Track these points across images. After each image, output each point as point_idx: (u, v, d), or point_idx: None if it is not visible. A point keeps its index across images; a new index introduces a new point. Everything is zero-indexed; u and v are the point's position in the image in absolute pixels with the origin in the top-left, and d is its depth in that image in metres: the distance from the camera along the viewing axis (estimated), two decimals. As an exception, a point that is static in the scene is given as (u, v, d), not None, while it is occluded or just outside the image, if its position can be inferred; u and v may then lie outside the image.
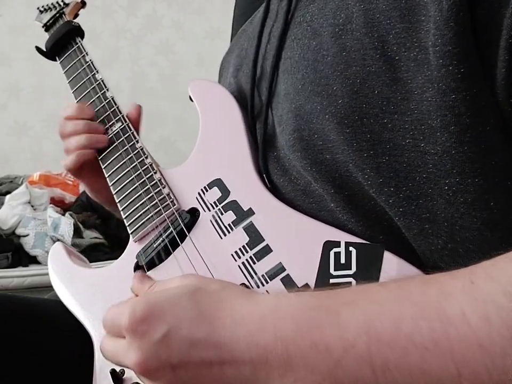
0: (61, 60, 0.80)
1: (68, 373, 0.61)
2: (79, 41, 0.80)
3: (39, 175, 2.08)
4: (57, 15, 0.84)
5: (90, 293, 0.59)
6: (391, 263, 0.44)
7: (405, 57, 0.42)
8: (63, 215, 1.86)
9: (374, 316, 0.35)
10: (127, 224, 0.62)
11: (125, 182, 0.64)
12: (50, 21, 0.84)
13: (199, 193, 0.58)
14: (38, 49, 0.82)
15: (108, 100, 0.72)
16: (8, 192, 1.97)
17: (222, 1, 2.68)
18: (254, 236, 0.52)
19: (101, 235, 1.92)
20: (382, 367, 0.33)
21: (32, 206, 1.92)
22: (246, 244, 0.52)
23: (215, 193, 0.57)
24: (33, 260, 1.73)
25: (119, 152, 0.67)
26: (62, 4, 0.86)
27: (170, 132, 2.65)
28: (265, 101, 0.56)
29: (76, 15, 0.87)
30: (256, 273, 0.49)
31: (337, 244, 0.46)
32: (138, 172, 0.63)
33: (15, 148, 2.47)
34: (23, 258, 1.74)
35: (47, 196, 1.96)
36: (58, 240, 1.75)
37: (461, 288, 0.33)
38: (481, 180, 0.40)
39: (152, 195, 0.61)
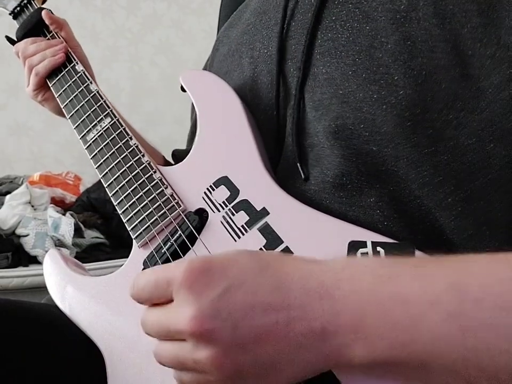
0: None
1: (67, 374, 0.61)
2: (53, 29, 0.75)
3: (39, 175, 2.08)
4: (25, 1, 0.79)
5: (95, 304, 0.56)
6: None
7: (480, 53, 0.40)
8: (64, 215, 1.85)
9: (461, 271, 0.33)
10: (129, 229, 0.58)
11: (122, 183, 0.60)
12: (18, 8, 0.79)
13: (205, 192, 0.55)
14: (9, 38, 0.77)
15: (92, 94, 0.67)
16: (8, 192, 1.96)
17: (220, 1, 2.67)
18: (271, 237, 0.48)
19: (102, 235, 1.91)
20: (472, 328, 0.31)
21: (32, 206, 1.91)
22: (264, 246, 0.48)
23: (223, 192, 0.54)
24: (33, 260, 1.72)
25: (112, 151, 0.62)
26: None
27: (171, 131, 2.64)
28: (298, 84, 0.51)
29: (44, 1, 0.82)
30: None
31: (363, 244, 0.43)
32: (136, 172, 0.59)
33: (15, 147, 2.46)
34: (23, 258, 1.73)
35: (47, 196, 1.95)
36: (58, 240, 1.75)
37: None
38: None
39: (154, 196, 0.57)
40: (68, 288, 0.59)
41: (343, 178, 0.47)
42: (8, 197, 1.91)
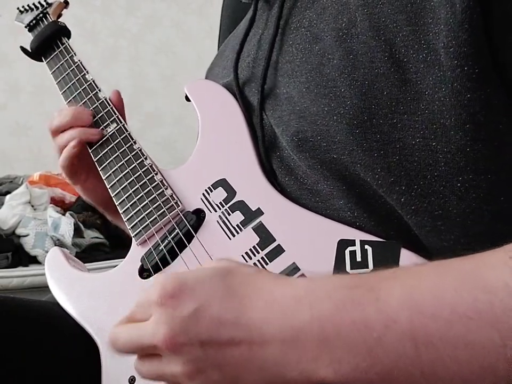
0: (47, 60, 0.78)
1: (67, 373, 0.61)
2: (66, 41, 0.78)
3: (39, 175, 2.08)
4: (41, 15, 0.83)
5: (93, 299, 0.58)
6: (409, 260, 0.44)
7: (414, 58, 0.43)
8: (64, 214, 1.86)
9: (414, 288, 0.34)
10: (129, 227, 0.60)
11: (125, 184, 0.62)
12: (34, 21, 0.83)
13: (203, 194, 0.57)
14: (23, 49, 0.80)
15: (100, 101, 0.70)
16: (8, 192, 1.97)
17: (222, 1, 2.68)
18: (265, 236, 0.51)
19: (101, 235, 1.92)
20: (425, 342, 0.32)
21: (32, 206, 1.92)
22: (257, 244, 0.51)
23: (221, 193, 0.56)
24: (33, 260, 1.73)
25: (116, 154, 0.65)
26: (44, 3, 0.85)
27: (171, 131, 2.65)
28: (258, 103, 0.57)
29: (60, 15, 0.85)
30: None
31: (352, 242, 0.46)
32: (138, 173, 0.62)
33: (15, 147, 2.47)
34: (23, 258, 1.74)
35: (47, 196, 1.95)
36: (58, 240, 1.75)
37: (501, 261, 0.34)
38: (493, 176, 0.42)
39: (155, 196, 0.59)
40: (69, 284, 0.61)
41: (318, 185, 0.50)
42: (8, 197, 1.91)
